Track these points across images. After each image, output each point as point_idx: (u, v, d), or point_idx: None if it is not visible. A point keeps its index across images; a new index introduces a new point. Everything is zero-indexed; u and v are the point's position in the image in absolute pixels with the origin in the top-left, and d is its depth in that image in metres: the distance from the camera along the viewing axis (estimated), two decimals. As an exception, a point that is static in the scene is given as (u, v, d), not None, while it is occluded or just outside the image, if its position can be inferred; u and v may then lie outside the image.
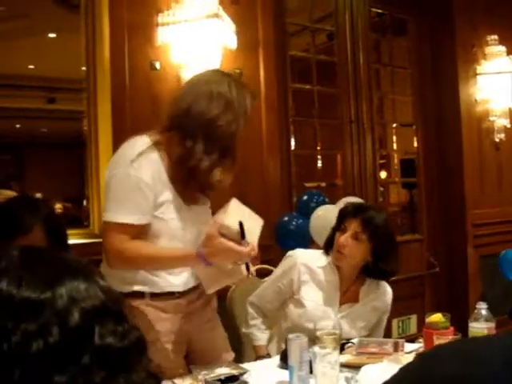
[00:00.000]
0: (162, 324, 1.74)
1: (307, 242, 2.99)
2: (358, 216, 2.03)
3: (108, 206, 1.68)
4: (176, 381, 1.65)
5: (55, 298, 0.59)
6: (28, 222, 1.76)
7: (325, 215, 2.94)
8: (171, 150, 1.71)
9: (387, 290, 2.17)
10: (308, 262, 2.12)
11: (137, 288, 1.72)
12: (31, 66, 4.28)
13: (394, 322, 4.02)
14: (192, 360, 1.82)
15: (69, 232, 2.90)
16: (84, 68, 3.02)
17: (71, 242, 2.75)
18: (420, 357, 0.80)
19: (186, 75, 2.90)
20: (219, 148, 1.72)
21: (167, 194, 1.71)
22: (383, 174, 4.45)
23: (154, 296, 1.74)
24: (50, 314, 0.58)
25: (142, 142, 1.71)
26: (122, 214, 1.64)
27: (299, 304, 2.08)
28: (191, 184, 1.76)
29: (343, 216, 2.08)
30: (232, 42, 2.95)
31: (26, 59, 4.08)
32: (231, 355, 1.98)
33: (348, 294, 2.11)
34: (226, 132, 1.71)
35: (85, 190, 3.08)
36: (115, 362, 0.61)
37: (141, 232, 1.68)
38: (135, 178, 1.64)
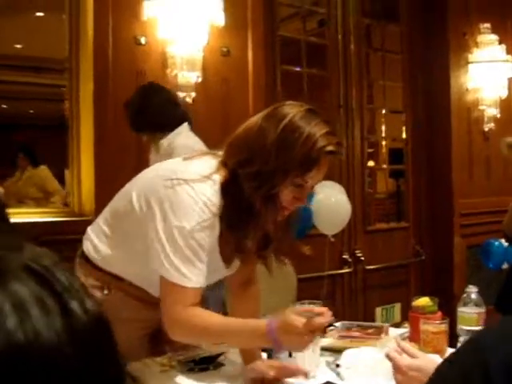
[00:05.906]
0: (132, 309, 1.59)
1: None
2: None
3: (174, 264, 1.38)
4: (148, 360, 1.59)
5: None
6: None
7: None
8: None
9: None
10: None
11: (117, 272, 1.58)
12: (18, 46, 4.22)
13: (378, 310, 3.98)
14: (159, 342, 1.70)
15: (49, 210, 2.88)
16: (67, 47, 2.94)
17: (54, 219, 2.72)
18: (469, 347, 0.74)
19: (172, 51, 2.83)
20: None
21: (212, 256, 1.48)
22: (371, 162, 4.39)
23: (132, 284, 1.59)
24: None
25: (215, 190, 1.42)
26: (193, 277, 1.40)
27: None
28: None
29: None
30: (220, 19, 2.87)
31: (12, 38, 4.03)
32: None
33: None
34: None
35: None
36: None
37: None
38: (204, 241, 1.40)
